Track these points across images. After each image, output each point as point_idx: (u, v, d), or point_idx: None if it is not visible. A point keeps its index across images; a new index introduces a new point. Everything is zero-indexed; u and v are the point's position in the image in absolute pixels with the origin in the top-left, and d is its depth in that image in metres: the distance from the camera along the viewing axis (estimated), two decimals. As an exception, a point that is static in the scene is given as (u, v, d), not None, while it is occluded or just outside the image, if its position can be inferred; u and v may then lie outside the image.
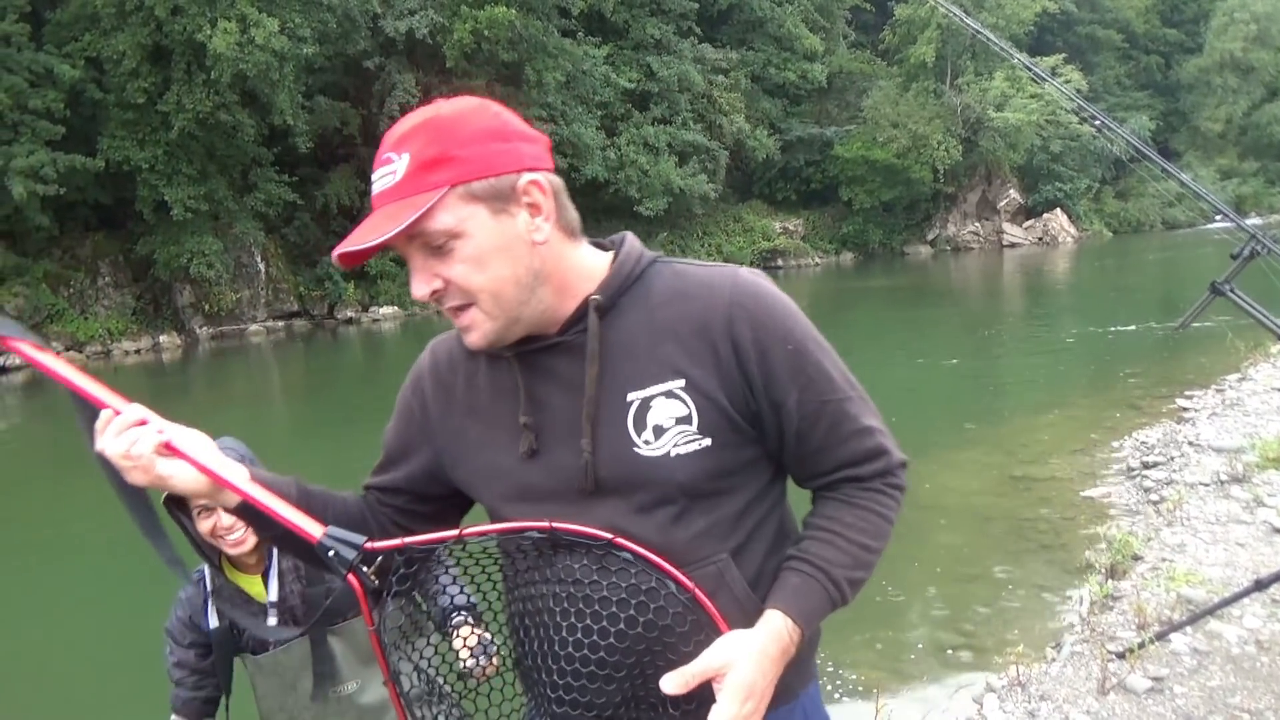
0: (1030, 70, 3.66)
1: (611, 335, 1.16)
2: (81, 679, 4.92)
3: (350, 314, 23.91)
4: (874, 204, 35.59)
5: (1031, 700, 3.31)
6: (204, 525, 2.03)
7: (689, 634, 1.11)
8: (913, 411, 9.63)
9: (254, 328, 22.65)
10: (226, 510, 1.21)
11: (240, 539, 2.12)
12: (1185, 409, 8.19)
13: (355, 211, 24.34)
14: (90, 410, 1.16)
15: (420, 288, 1.11)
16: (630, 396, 1.14)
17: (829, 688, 3.93)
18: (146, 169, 20.21)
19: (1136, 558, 4.59)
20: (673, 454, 1.13)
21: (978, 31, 3.61)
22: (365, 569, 1.12)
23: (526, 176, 1.11)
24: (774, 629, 1.13)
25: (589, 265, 1.19)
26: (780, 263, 33.70)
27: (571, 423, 1.15)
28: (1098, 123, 3.30)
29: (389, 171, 1.08)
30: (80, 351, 19.72)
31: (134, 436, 1.12)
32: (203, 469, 1.14)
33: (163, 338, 21.53)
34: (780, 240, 34.34)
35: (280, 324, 23.25)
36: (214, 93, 20.09)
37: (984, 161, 36.92)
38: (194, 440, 1.16)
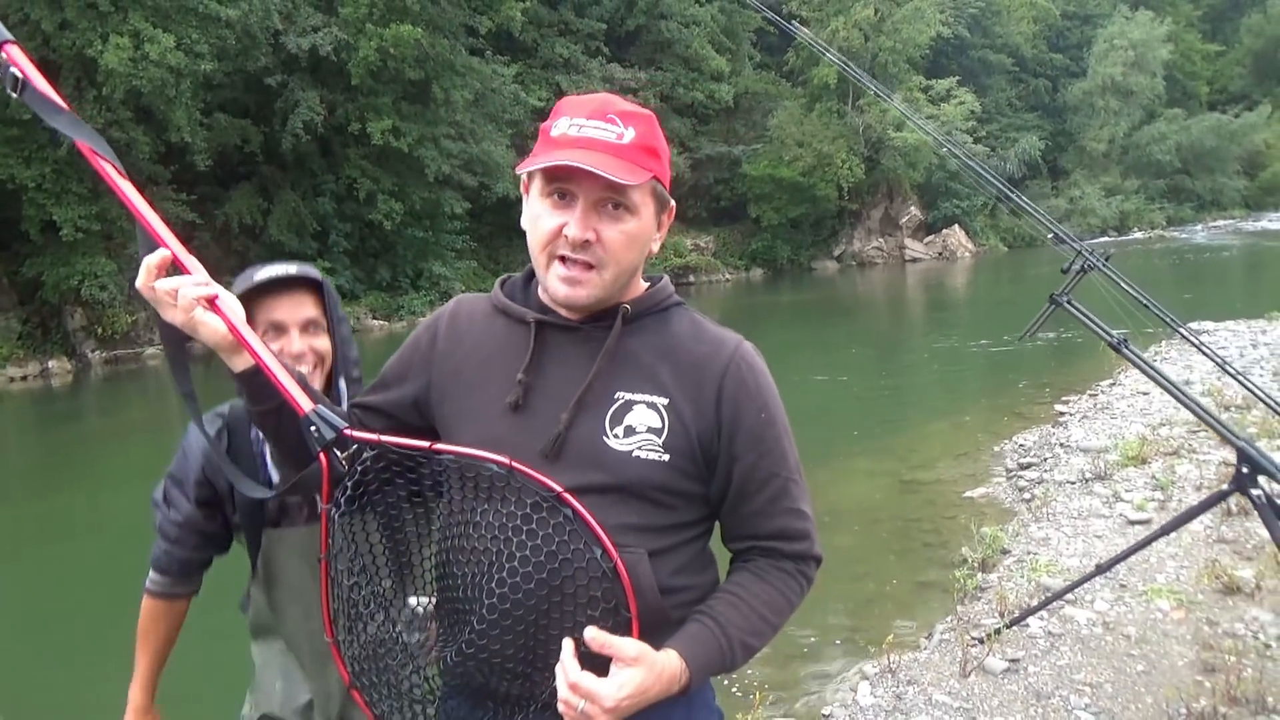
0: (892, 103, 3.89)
1: (625, 342, 1.32)
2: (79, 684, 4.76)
3: (254, 335, 23.33)
4: (782, 221, 36.42)
5: (900, 685, 3.53)
6: (270, 348, 1.87)
7: (596, 602, 1.21)
8: (814, 424, 9.94)
9: (151, 350, 21.84)
10: (235, 371, 1.31)
11: (306, 375, 1.92)
12: (1062, 413, 8.69)
13: (257, 230, 23.79)
14: (150, 245, 1.28)
15: (580, 230, 1.25)
16: (618, 395, 1.29)
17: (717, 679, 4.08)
18: (33, 187, 19.37)
19: (1005, 551, 4.90)
20: (634, 454, 1.27)
21: (844, 66, 3.83)
22: (338, 452, 1.25)
23: (671, 202, 1.37)
24: (669, 661, 1.22)
25: (638, 283, 1.39)
26: (692, 279, 34.13)
27: (560, 396, 1.29)
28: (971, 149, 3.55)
29: (612, 131, 1.25)
30: (-38, 378, 18.77)
31: (182, 282, 1.26)
32: (233, 329, 1.28)
33: (52, 363, 20.61)
34: (691, 257, 34.80)
35: (180, 347, 22.50)
36: (106, 109, 19.43)
37: (886, 179, 38.18)
38: (232, 304, 1.30)
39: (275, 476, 1.85)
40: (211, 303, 1.27)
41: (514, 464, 1.21)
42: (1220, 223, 47.39)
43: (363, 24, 23.54)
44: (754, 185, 36.08)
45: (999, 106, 47.27)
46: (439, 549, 1.35)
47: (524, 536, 1.21)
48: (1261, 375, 7.90)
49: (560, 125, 1.27)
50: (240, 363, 1.31)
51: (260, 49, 22.15)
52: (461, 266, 26.73)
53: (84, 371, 20.61)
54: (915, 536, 6.00)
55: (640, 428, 1.27)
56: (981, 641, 3.69)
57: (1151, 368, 3.29)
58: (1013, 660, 3.56)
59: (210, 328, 1.27)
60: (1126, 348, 3.25)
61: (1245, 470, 2.99)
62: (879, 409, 10.86)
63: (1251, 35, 60.18)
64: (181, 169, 22.00)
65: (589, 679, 1.15)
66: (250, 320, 1.75)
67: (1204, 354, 3.36)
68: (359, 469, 1.26)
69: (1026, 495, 6.11)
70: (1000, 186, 3.32)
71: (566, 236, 1.25)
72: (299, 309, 1.84)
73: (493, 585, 1.22)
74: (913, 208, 39.18)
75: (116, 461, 11.86)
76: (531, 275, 1.41)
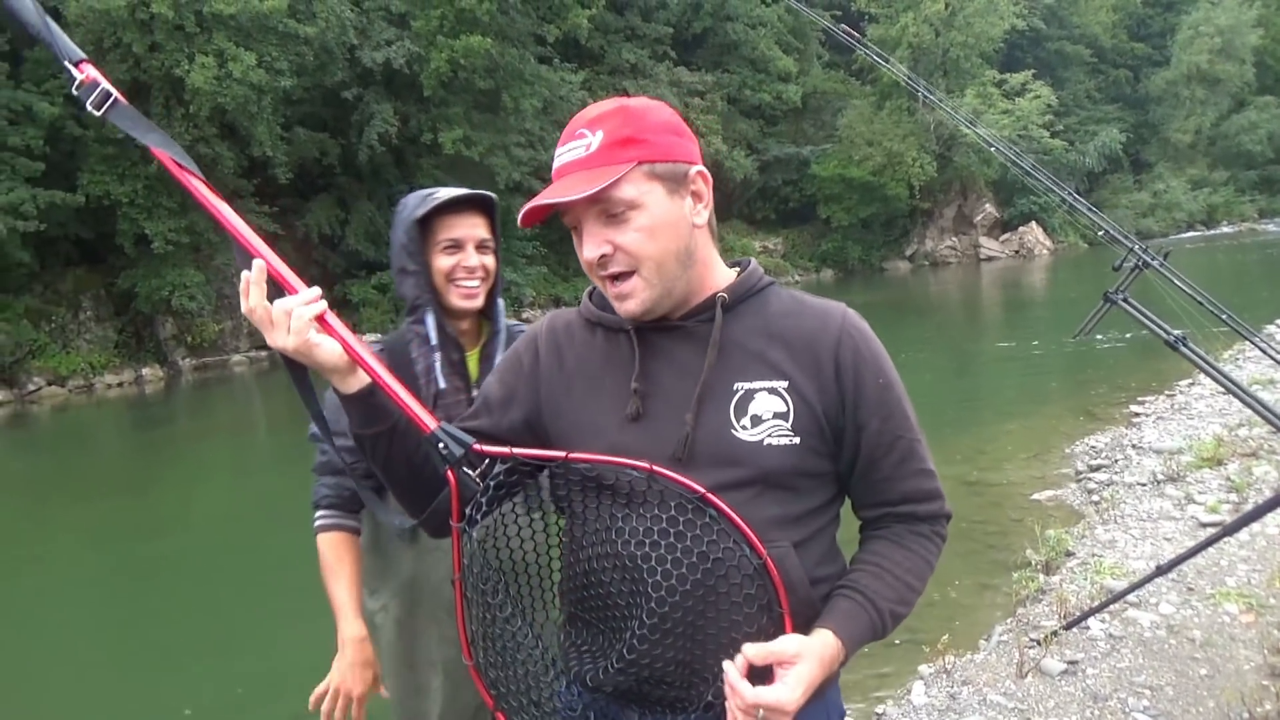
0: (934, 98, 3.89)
1: (729, 331, 1.29)
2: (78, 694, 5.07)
3: (333, 342, 24.09)
4: (852, 221, 36.06)
5: (955, 685, 3.53)
6: (444, 261, 1.96)
7: (751, 600, 1.20)
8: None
9: (236, 358, 22.77)
10: (347, 394, 1.25)
11: (475, 290, 1.99)
12: (1137, 414, 8.46)
13: (336, 240, 24.56)
14: (246, 259, 1.23)
15: (592, 250, 1.24)
16: (737, 386, 1.26)
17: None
18: (127, 203, 20.38)
19: (1069, 554, 4.83)
20: (765, 443, 1.25)
21: (872, 55, 3.85)
22: (467, 470, 1.22)
23: (696, 167, 1.28)
24: (827, 643, 1.22)
25: (720, 269, 1.35)
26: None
27: (678, 399, 1.27)
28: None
29: (581, 145, 1.23)
30: (63, 386, 19.80)
31: (292, 303, 1.21)
32: (349, 348, 1.23)
33: (145, 370, 21.62)
34: (760, 259, 34.60)
35: (263, 354, 23.34)
36: (193, 126, 20.33)
37: (959, 177, 37.45)
38: (337, 321, 1.25)
39: (444, 384, 1.94)
40: (322, 321, 1.22)
41: (655, 468, 1.18)
42: (1317, 214, 45.16)
43: (434, 36, 24.12)
44: (823, 186, 35.78)
45: (1077, 99, 45.96)
46: (574, 561, 1.32)
47: (672, 540, 1.19)
48: (1351, 374, 7.59)
49: (555, 161, 1.28)
50: (354, 383, 1.26)
51: (337, 64, 22.90)
52: (532, 273, 27.13)
53: (175, 378, 21.56)
54: (979, 538, 5.93)
55: (766, 415, 1.25)
56: (1039, 643, 3.67)
57: (1212, 365, 3.24)
58: (1071, 662, 3.54)
59: (326, 350, 1.22)
60: (1185, 345, 3.20)
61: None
62: (949, 409, 10.71)
63: (1350, 17, 57.17)
64: (264, 182, 22.87)
65: (764, 692, 1.14)
66: (429, 237, 1.97)
67: (1264, 352, 3.29)
68: (491, 484, 1.23)
69: (1095, 497, 6.00)
70: (1050, 184, 3.31)
71: (587, 261, 1.27)
72: (474, 228, 1.97)
73: (649, 592, 1.20)
74: (988, 205, 38.35)
75: (204, 462, 12.43)
76: None
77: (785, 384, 1.27)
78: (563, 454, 1.24)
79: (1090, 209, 3.35)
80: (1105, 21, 48.27)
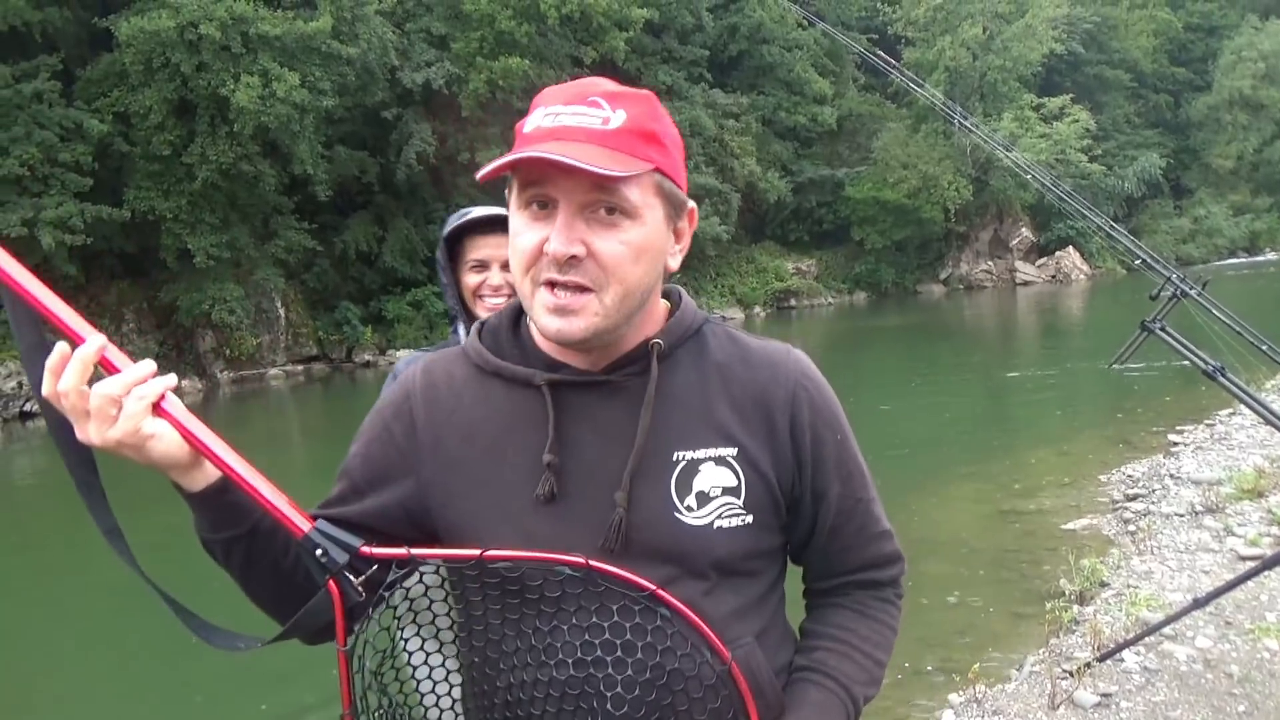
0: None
1: (664, 385, 1.06)
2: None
3: (368, 357, 24.35)
4: (886, 244, 35.96)
5: (985, 715, 3.51)
6: (471, 279, 2.02)
7: (716, 716, 1.02)
8: (914, 448, 9.80)
9: (274, 371, 23.10)
10: (192, 493, 1.01)
11: (500, 307, 2.00)
12: (1175, 443, 8.35)
13: (373, 257, 24.91)
14: (32, 329, 0.95)
15: (562, 243, 0.98)
16: (678, 455, 1.05)
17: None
18: (171, 218, 20.82)
19: (1104, 584, 4.78)
20: (715, 525, 1.05)
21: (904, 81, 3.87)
22: (351, 578, 0.98)
23: (691, 203, 1.09)
24: None
25: (652, 314, 1.12)
26: (794, 303, 34.03)
27: (603, 474, 1.04)
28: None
29: (596, 115, 0.99)
30: (105, 396, 20.18)
31: (121, 385, 0.93)
32: (191, 437, 0.96)
33: (185, 382, 21.97)
34: (793, 281, 34.67)
35: (299, 368, 23.70)
36: (236, 144, 20.74)
37: (995, 200, 37.24)
38: (178, 402, 0.98)
39: None
40: (158, 407, 0.95)
41: (592, 562, 0.97)
42: (1364, 242, 44.25)
43: (473, 58, 24.50)
44: (857, 208, 35.74)
45: (1116, 124, 45.49)
46: (487, 689, 1.07)
47: (620, 653, 0.98)
48: (1397, 406, 7.44)
49: (534, 118, 1.02)
50: (199, 479, 1.00)
51: (378, 84, 23.30)
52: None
53: (213, 390, 21.91)
54: (1012, 567, 5.88)
55: (714, 491, 1.05)
56: (1072, 674, 3.63)
57: (1251, 396, 3.21)
58: (1105, 695, 3.49)
59: (164, 443, 0.95)
60: (1224, 375, 3.18)
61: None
62: (983, 436, 10.62)
63: (1399, 42, 56.25)
64: (304, 200, 23.26)
65: None
66: (461, 254, 2.03)
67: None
68: (384, 594, 1.00)
69: (1131, 527, 5.92)
70: (1084, 210, 3.31)
71: (548, 254, 0.98)
72: (501, 248, 1.97)
73: (595, 704, 1.00)
74: (1024, 229, 38.05)
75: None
76: (518, 315, 1.15)
77: (734, 451, 1.06)
78: (476, 551, 0.98)
79: (1125, 235, 3.34)
80: (1145, 46, 47.82)
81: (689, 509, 1.04)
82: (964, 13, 37.18)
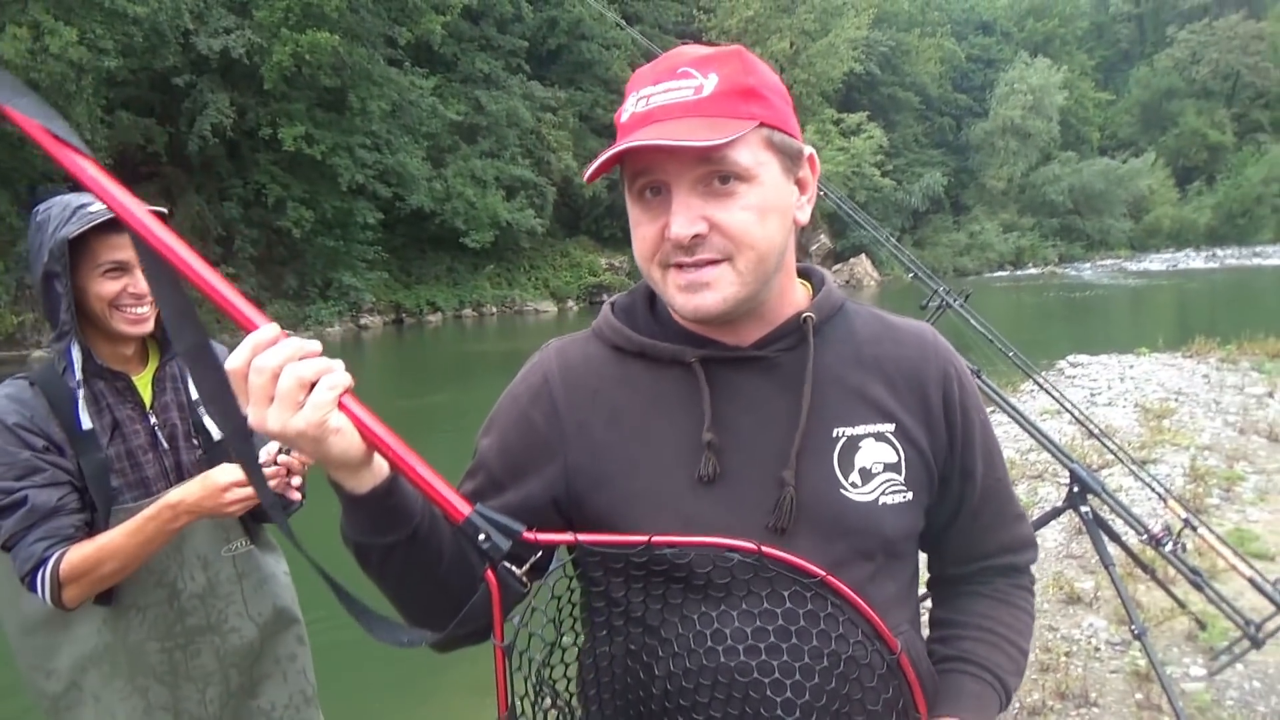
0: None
1: (820, 363, 1.04)
2: None
3: (151, 341, 22.61)
4: (696, 244, 37.12)
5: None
6: (109, 287, 1.70)
7: (888, 710, 0.98)
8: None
9: (38, 354, 20.99)
10: (360, 494, 0.91)
11: (146, 315, 1.74)
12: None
13: (160, 233, 23.07)
14: (178, 293, 0.85)
15: (684, 225, 0.94)
16: (838, 432, 1.03)
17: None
18: (-84, 179, 18.53)
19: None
20: (880, 502, 1.02)
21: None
22: (512, 567, 0.88)
23: (809, 148, 1.03)
24: None
25: (793, 284, 1.09)
26: (605, 298, 34.21)
27: (764, 452, 1.01)
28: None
29: (688, 85, 0.94)
30: None
31: (315, 370, 0.83)
32: (370, 432, 0.87)
33: (-71, 363, 19.63)
34: (606, 276, 35.10)
35: (70, 350, 21.68)
36: (0, 101, 18.70)
37: (797, 207, 39.30)
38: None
39: (87, 423, 1.68)
40: (342, 398, 0.86)
41: (764, 548, 0.91)
42: (1107, 262, 50.14)
43: (278, 28, 23.19)
44: (669, 207, 36.67)
45: (906, 142, 49.14)
46: (643, 680, 1.00)
47: (795, 641, 0.94)
48: (1124, 407, 8.48)
49: (628, 105, 0.98)
50: (369, 479, 0.91)
51: (169, 48, 21.63)
52: (372, 277, 26.41)
53: (-36, 373, 19.65)
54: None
55: (876, 468, 1.03)
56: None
57: (1001, 396, 3.59)
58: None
59: (346, 438, 0.86)
60: (979, 378, 3.54)
61: (1076, 490, 3.30)
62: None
63: (1140, 87, 64.14)
64: (79, 166, 21.26)
65: None
66: (86, 258, 1.68)
67: (1040, 387, 3.69)
68: (551, 584, 0.94)
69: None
70: (868, 225, 3.60)
71: (670, 238, 0.95)
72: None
73: (778, 714, 0.95)
74: (823, 236, 40.31)
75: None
76: (652, 294, 1.11)
77: (892, 427, 1.05)
78: (644, 538, 0.91)
79: (901, 250, 3.67)
80: (933, 72, 51.93)
81: (854, 485, 1.02)
82: (773, 26, 39.00)
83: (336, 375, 0.85)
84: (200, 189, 24.13)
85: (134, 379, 1.80)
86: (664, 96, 0.95)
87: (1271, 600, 2.68)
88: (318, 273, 25.47)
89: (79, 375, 1.70)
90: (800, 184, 1.03)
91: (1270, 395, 8.53)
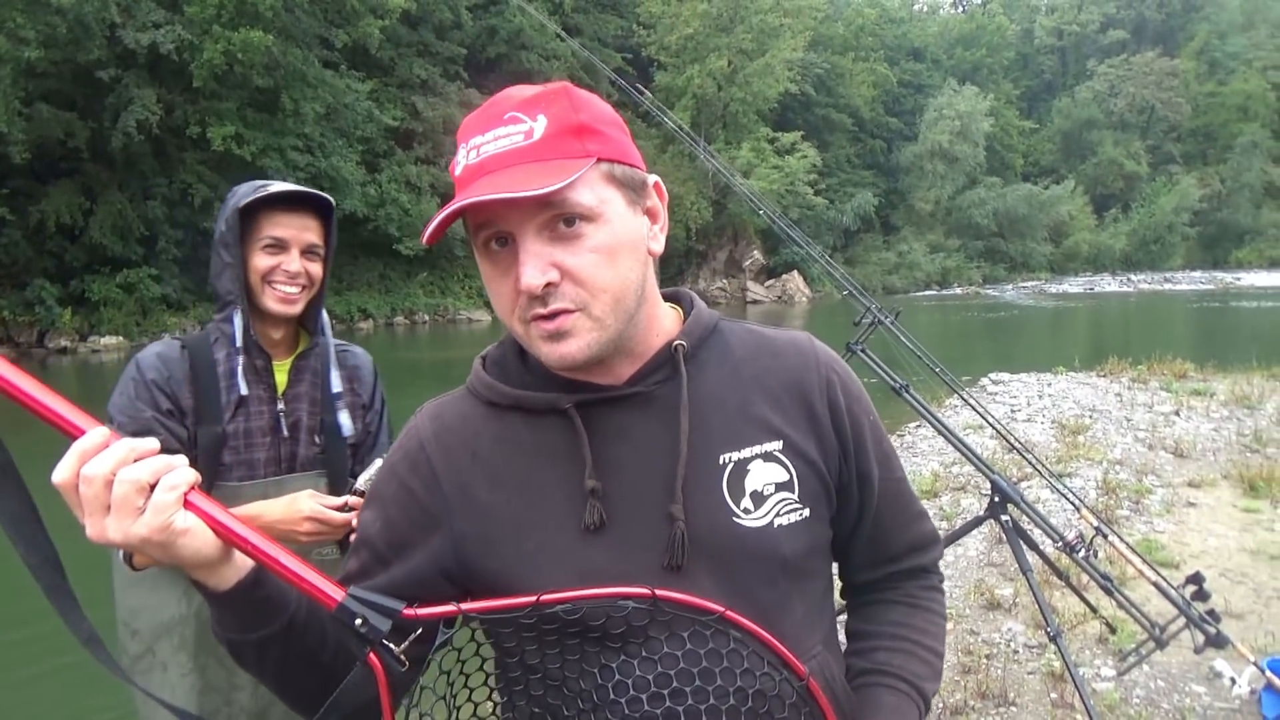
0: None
1: (695, 388, 1.01)
2: None
3: (64, 343, 21.64)
4: (631, 256, 37.33)
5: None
6: (264, 261, 1.77)
7: None
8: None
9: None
10: (222, 591, 0.89)
11: (294, 296, 1.80)
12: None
13: (77, 231, 22.29)
14: None
15: (535, 275, 0.90)
16: (724, 458, 0.99)
17: None
18: None
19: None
20: (775, 524, 0.99)
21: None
22: (391, 646, 0.86)
23: (652, 177, 1.00)
24: None
25: (663, 309, 1.06)
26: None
27: (649, 488, 0.97)
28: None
29: (518, 130, 0.91)
30: None
31: (153, 471, 0.82)
32: (224, 528, 0.85)
33: None
34: (541, 286, 35.14)
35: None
36: (-91, 89, 17.95)
37: (732, 223, 39.83)
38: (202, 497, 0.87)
39: (245, 389, 1.77)
40: (187, 496, 0.84)
41: (657, 592, 0.89)
42: (1028, 284, 51.90)
43: (209, 25, 22.69)
44: (606, 220, 36.83)
45: (839, 162, 50.23)
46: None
47: (699, 681, 0.92)
48: (1042, 423, 8.81)
49: (460, 159, 0.95)
50: (231, 575, 0.89)
51: (94, 41, 20.98)
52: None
53: None
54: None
55: (768, 489, 0.99)
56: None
57: (927, 411, 3.73)
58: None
59: (198, 537, 0.84)
60: (907, 393, 3.67)
61: (997, 500, 3.44)
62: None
63: (1061, 116, 66.71)
64: (-7, 159, 20.45)
65: None
66: (253, 231, 1.77)
67: (965, 401, 3.84)
68: (436, 658, 0.91)
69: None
70: (800, 244, 3.71)
71: (522, 292, 0.92)
72: (304, 230, 1.79)
73: None
74: (756, 251, 40.93)
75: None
76: (520, 345, 1.07)
77: (779, 444, 1.02)
78: (531, 598, 0.88)
79: (835, 267, 3.78)
80: (866, 95, 53.19)
81: (746, 511, 0.98)
82: (712, 45, 39.52)
83: (178, 474, 0.83)
84: (123, 187, 23.37)
85: (274, 364, 1.85)
86: (494, 145, 0.91)
87: (1174, 604, 2.84)
88: (245, 276, 24.87)
89: (240, 342, 1.76)
90: (650, 213, 1.00)
91: (1177, 413, 8.95)
